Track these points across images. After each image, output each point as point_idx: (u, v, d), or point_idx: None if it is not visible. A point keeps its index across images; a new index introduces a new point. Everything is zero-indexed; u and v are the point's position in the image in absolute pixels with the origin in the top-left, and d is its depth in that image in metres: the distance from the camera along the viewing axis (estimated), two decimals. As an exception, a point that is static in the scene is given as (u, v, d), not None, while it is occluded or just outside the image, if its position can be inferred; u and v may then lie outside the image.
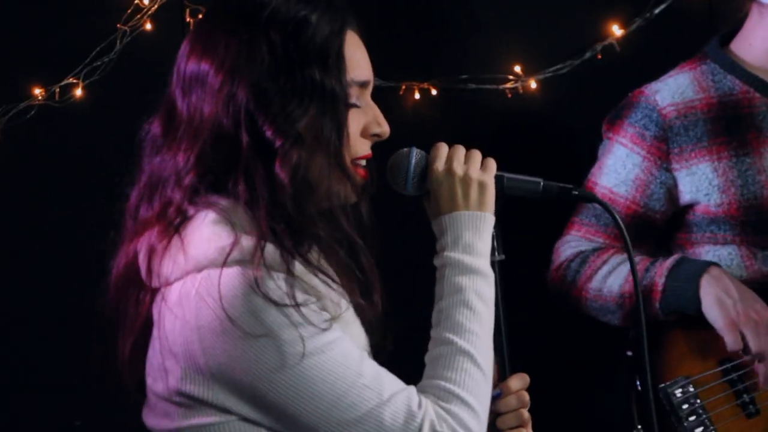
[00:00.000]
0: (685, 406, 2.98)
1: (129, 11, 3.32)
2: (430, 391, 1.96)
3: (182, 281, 1.94)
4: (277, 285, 1.89)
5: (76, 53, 3.32)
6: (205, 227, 1.94)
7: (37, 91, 3.32)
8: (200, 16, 3.32)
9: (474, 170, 2.06)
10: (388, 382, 1.93)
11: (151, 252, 1.98)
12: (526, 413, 2.12)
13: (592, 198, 2.19)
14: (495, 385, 2.12)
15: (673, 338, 3.04)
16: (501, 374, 2.13)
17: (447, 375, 1.97)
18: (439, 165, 2.06)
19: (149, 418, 2.03)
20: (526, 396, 2.12)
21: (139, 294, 2.03)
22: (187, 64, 2.00)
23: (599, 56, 3.52)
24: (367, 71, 2.05)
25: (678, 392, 2.98)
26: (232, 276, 1.89)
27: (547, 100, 3.51)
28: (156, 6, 3.33)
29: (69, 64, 3.32)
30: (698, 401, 2.98)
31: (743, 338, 2.93)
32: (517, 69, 3.49)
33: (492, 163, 2.09)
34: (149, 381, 2.01)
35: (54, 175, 3.35)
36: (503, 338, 2.12)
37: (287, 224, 1.93)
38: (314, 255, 1.97)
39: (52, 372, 3.31)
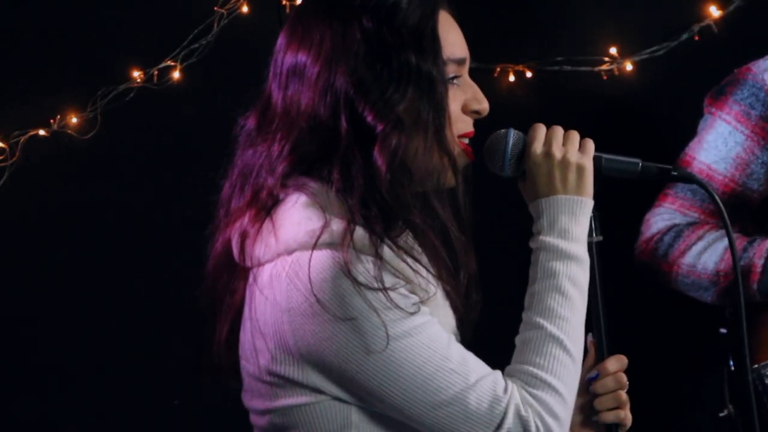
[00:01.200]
0: None
1: (226, -6, 3.36)
2: (518, 375, 1.97)
3: (273, 263, 1.96)
4: (365, 268, 1.90)
5: (174, 36, 3.36)
6: (296, 210, 1.96)
7: (136, 74, 3.36)
8: (296, 1, 3.35)
9: (573, 153, 2.05)
10: (475, 367, 1.94)
11: (244, 235, 2.00)
12: (624, 394, 2.11)
13: (691, 178, 2.17)
14: (592, 366, 2.12)
15: (765, 317, 3.01)
16: (599, 355, 2.13)
17: (535, 360, 1.97)
18: (538, 147, 2.05)
19: (246, 399, 2.05)
20: (624, 377, 2.11)
21: (234, 280, 2.05)
22: (285, 57, 2.02)
23: (696, 38, 3.48)
24: (463, 48, 2.05)
25: None
26: (321, 259, 1.91)
27: (642, 83, 3.48)
28: (253, -12, 3.36)
29: (167, 47, 3.37)
30: None
31: None
32: (613, 51, 3.47)
33: (591, 145, 2.08)
34: (242, 362, 2.03)
35: (152, 157, 3.39)
36: (601, 319, 2.12)
37: (380, 209, 1.94)
38: (406, 240, 1.98)
39: (150, 360, 3.36)
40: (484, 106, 2.05)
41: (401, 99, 1.96)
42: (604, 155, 2.10)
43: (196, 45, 3.36)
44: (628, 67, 3.47)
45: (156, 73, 3.36)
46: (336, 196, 1.95)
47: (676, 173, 2.14)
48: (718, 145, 3.08)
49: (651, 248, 3.10)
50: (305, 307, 1.90)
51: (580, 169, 2.05)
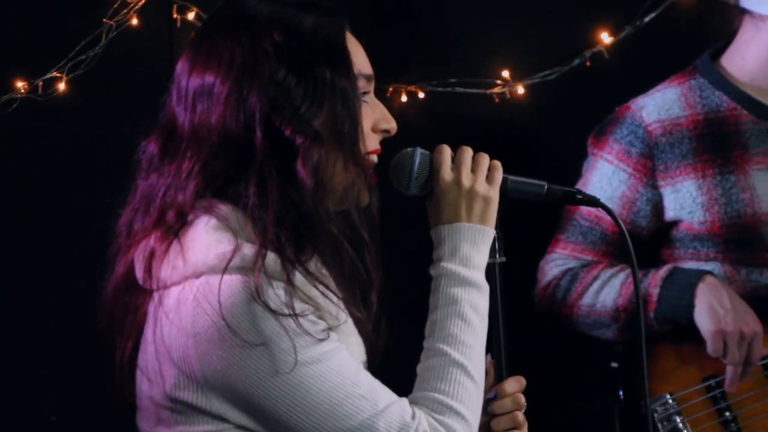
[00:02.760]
0: (667, 423, 2.99)
1: (115, 6, 3.30)
2: (423, 402, 1.96)
3: (180, 286, 1.93)
4: (276, 294, 1.88)
5: (61, 47, 3.30)
6: (206, 233, 1.93)
7: (20, 84, 3.29)
8: (189, 13, 3.31)
9: (481, 183, 2.05)
10: (383, 393, 1.93)
11: (150, 255, 1.96)
12: (521, 416, 2.12)
13: (596, 202, 2.17)
14: (491, 387, 2.12)
15: (660, 353, 3.05)
16: (498, 376, 2.13)
17: (440, 387, 1.96)
18: (446, 173, 2.05)
19: (143, 423, 2.01)
20: (522, 399, 2.12)
21: (136, 300, 2.01)
22: (189, 79, 1.98)
23: (588, 63, 3.51)
24: (369, 66, 2.05)
25: (661, 408, 2.98)
26: (232, 283, 1.88)
27: (534, 106, 3.50)
28: (143, 1, 3.30)
29: (53, 58, 3.30)
30: (680, 417, 2.99)
31: (726, 348, 2.94)
32: (505, 74, 3.48)
33: (498, 172, 2.08)
34: (143, 386, 1.99)
35: (35, 169, 3.32)
36: (501, 340, 2.12)
37: (294, 230, 1.92)
38: (315, 265, 1.96)
39: (41, 376, 3.29)
40: (393, 125, 2.06)
41: (318, 112, 1.95)
42: (511, 177, 2.10)
43: (84, 56, 3.29)
44: (520, 90, 3.49)
45: (41, 84, 3.29)
46: (247, 218, 1.92)
47: (581, 197, 2.15)
48: (603, 186, 3.11)
49: (549, 294, 3.12)
50: (213, 331, 1.87)
51: (486, 201, 2.05)
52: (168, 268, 1.94)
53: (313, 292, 1.92)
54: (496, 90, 3.49)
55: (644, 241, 3.11)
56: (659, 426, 2.98)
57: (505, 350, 2.12)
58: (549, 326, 3.14)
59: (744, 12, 3.12)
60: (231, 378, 1.87)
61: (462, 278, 2.02)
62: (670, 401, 2.99)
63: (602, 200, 3.01)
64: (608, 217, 3.05)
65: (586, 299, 3.07)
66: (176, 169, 1.96)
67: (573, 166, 3.19)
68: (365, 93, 2.03)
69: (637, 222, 3.08)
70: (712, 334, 2.93)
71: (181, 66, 2.02)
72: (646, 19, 3.53)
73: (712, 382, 3.01)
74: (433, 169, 2.06)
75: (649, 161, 3.08)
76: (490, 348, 2.07)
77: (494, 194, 2.06)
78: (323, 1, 2.02)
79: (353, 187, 1.98)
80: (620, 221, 2.19)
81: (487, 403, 2.09)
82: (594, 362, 3.20)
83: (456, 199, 2.04)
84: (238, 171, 1.93)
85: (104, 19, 3.30)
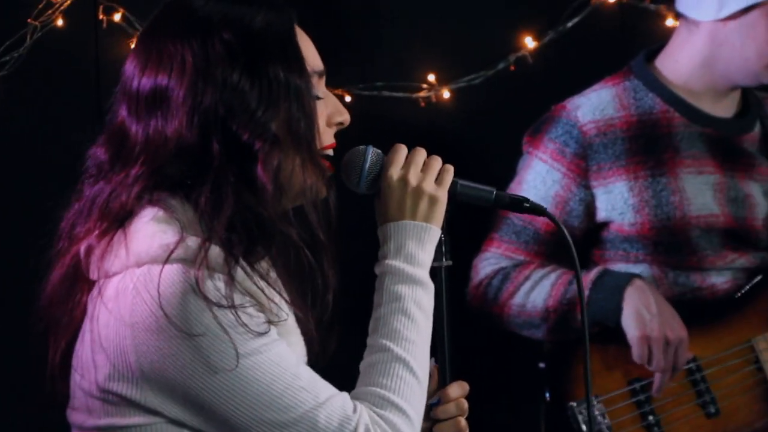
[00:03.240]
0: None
1: (40, 6, 3.27)
2: (365, 397, 1.95)
3: (121, 275, 1.91)
4: (216, 286, 1.86)
5: (-16, 48, 3.27)
6: (151, 224, 1.91)
7: (-58, 85, 3.26)
8: (115, 14, 3.29)
9: (428, 183, 2.04)
10: (324, 386, 1.92)
11: (92, 246, 1.94)
12: (463, 421, 2.11)
13: (542, 211, 2.16)
14: (434, 392, 2.11)
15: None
16: (441, 380, 2.12)
17: (382, 382, 1.95)
18: (395, 171, 2.04)
19: (73, 415, 1.98)
20: (465, 404, 2.11)
21: (73, 301, 1.98)
22: (140, 84, 1.95)
23: (512, 67, 3.54)
24: (320, 61, 2.03)
25: (585, 411, 2.99)
26: (172, 273, 1.86)
27: (459, 110, 3.52)
28: (68, 2, 3.28)
29: (-24, 59, 3.27)
30: (605, 421, 3.00)
31: (651, 353, 2.97)
32: (431, 78, 3.50)
33: (449, 174, 2.07)
34: (76, 377, 1.96)
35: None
36: (446, 344, 2.11)
37: (246, 233, 1.91)
38: (263, 266, 1.94)
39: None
40: (346, 117, 2.05)
41: (275, 114, 1.93)
42: (460, 181, 2.09)
43: (8, 57, 3.27)
44: (446, 94, 3.51)
45: (-36, 84, 3.26)
46: (195, 214, 1.91)
47: (527, 204, 2.14)
48: (537, 185, 3.12)
49: (481, 293, 3.12)
50: (150, 321, 1.86)
51: (432, 200, 2.04)
52: (110, 258, 1.92)
53: (254, 289, 1.91)
54: (422, 94, 3.51)
55: (576, 241, 3.10)
56: (583, 428, 2.99)
57: (450, 355, 2.11)
58: (478, 325, 3.15)
59: (679, 15, 3.16)
60: (167, 369, 1.86)
61: (406, 275, 2.01)
62: (595, 404, 3.01)
63: (536, 199, 3.03)
64: (541, 217, 3.06)
65: (517, 299, 3.08)
66: (125, 175, 1.94)
67: (498, 170, 3.20)
68: (318, 90, 2.01)
69: (570, 222, 3.10)
70: (637, 339, 2.96)
71: (129, 68, 1.98)
72: (569, 24, 3.57)
73: (636, 385, 3.03)
74: (383, 167, 2.05)
75: (583, 161, 3.10)
76: (434, 352, 2.06)
77: (441, 195, 2.05)
78: None
79: (311, 187, 1.97)
80: (564, 229, 2.19)
81: (430, 408, 2.08)
82: (522, 362, 3.21)
83: (402, 197, 2.03)
84: (193, 177, 1.92)
85: (29, 20, 3.27)
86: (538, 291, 3.06)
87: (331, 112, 2.03)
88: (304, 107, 1.95)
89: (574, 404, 3.00)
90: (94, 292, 1.94)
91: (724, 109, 3.18)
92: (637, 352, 2.96)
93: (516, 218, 3.11)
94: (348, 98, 3.46)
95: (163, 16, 1.99)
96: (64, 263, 1.99)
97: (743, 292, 3.11)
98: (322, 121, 2.01)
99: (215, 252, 1.88)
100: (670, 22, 3.55)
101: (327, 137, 2.02)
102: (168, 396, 1.88)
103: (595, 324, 3.02)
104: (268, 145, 1.91)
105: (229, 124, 1.91)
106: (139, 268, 1.89)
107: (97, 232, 1.94)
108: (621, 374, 3.04)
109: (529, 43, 3.54)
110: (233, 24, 1.93)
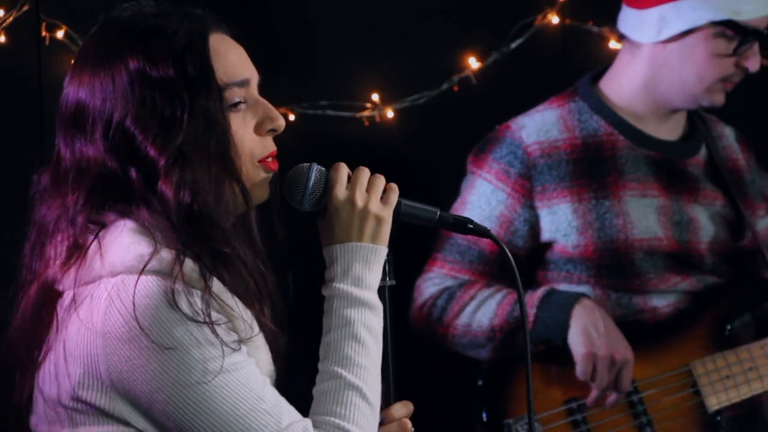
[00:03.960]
0: None
1: (-18, 22, 3.25)
2: (321, 426, 1.95)
3: (94, 284, 1.91)
4: (192, 300, 1.87)
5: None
6: (125, 234, 1.92)
7: None
8: (58, 31, 3.27)
9: (374, 203, 2.04)
10: (287, 411, 1.92)
11: (66, 259, 1.94)
12: None
13: (486, 233, 2.16)
14: (379, 412, 2.10)
15: (523, 373, 3.06)
16: (385, 401, 2.11)
17: (336, 410, 1.96)
18: (340, 191, 2.04)
19: (36, 424, 1.98)
20: (409, 424, 2.12)
21: (41, 335, 1.97)
22: (66, 107, 1.99)
23: (456, 88, 3.55)
24: (245, 69, 2.02)
25: (522, 429, 3.01)
26: (148, 284, 1.87)
27: (403, 130, 3.53)
28: (11, 18, 3.26)
29: None
30: None
31: (594, 372, 2.98)
32: (375, 97, 3.51)
33: (394, 194, 2.07)
34: (42, 386, 1.95)
35: None
36: (390, 365, 2.11)
37: (200, 243, 1.91)
38: (227, 276, 1.95)
39: None
40: (279, 123, 2.03)
41: (179, 133, 1.93)
42: (404, 201, 2.09)
43: (-50, 73, 3.24)
44: (389, 114, 3.52)
45: None
46: (162, 225, 1.92)
47: (472, 226, 2.14)
48: (481, 205, 3.13)
49: (425, 314, 3.12)
50: (123, 331, 1.86)
51: (378, 220, 2.04)
52: (84, 268, 1.92)
53: (230, 301, 1.92)
54: (366, 113, 3.51)
55: (520, 261, 3.12)
56: None
57: (394, 374, 2.11)
58: (417, 344, 3.15)
59: (622, 37, 3.18)
60: (136, 380, 1.86)
61: (355, 298, 2.01)
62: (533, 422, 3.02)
63: (480, 219, 3.07)
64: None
65: (463, 319, 3.08)
66: (62, 202, 1.96)
67: (441, 190, 3.22)
68: (241, 102, 2.00)
69: (514, 242, 3.11)
70: (583, 356, 2.97)
71: (63, 94, 2.01)
72: (513, 45, 3.59)
73: (573, 405, 3.04)
74: (327, 186, 2.05)
75: (527, 182, 3.10)
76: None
77: (387, 215, 2.05)
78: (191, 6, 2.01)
79: (233, 201, 1.97)
80: (507, 250, 2.19)
81: None
82: (461, 381, 3.21)
83: (349, 218, 2.03)
84: (123, 200, 1.94)
85: (-30, 36, 3.25)
86: (483, 311, 3.07)
87: (260, 119, 2.02)
88: (213, 125, 1.95)
89: (511, 421, 3.02)
90: (65, 301, 1.95)
91: (669, 131, 3.20)
92: (581, 369, 2.97)
93: (460, 238, 3.12)
94: (292, 117, 3.46)
95: (87, 41, 2.03)
96: (29, 298, 1.99)
97: (683, 316, 3.12)
98: (248, 132, 2.00)
99: (190, 265, 1.89)
100: (612, 44, 3.57)
101: (261, 148, 2.02)
102: (135, 407, 1.88)
103: (541, 342, 3.03)
104: (170, 161, 1.92)
105: (138, 145, 1.93)
106: (113, 277, 1.90)
107: (58, 262, 1.95)
108: (559, 393, 3.05)
109: (473, 63, 3.56)
110: (139, 48, 1.95)
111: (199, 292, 1.88)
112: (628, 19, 3.14)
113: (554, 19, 3.60)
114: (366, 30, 3.55)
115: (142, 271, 1.87)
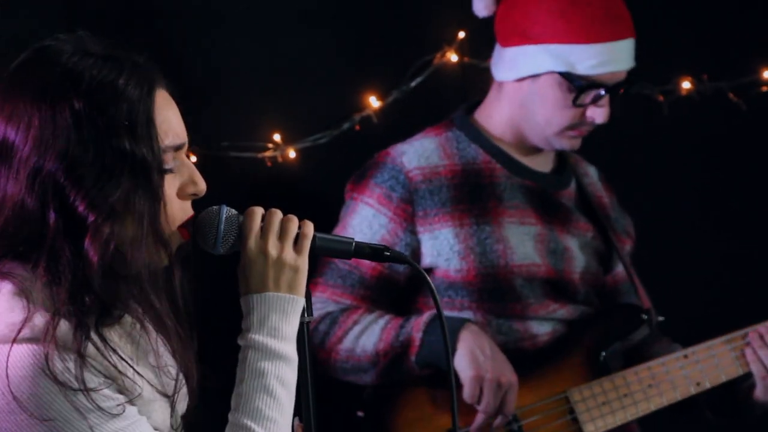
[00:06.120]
0: None
1: None
2: None
3: None
4: (66, 367, 1.82)
5: None
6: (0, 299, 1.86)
7: None
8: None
9: (288, 253, 2.01)
10: None
11: None
12: None
13: (403, 259, 2.17)
14: None
15: (410, 400, 3.10)
16: None
17: None
18: (253, 242, 2.00)
19: None
20: None
21: None
22: None
23: (357, 127, 3.57)
24: (181, 132, 1.99)
25: None
26: (20, 354, 1.82)
27: (305, 169, 3.54)
28: None
29: None
30: None
31: (481, 395, 3.00)
32: (277, 137, 3.51)
33: (307, 240, 2.04)
34: None
35: None
36: (311, 401, 2.09)
37: (92, 301, 1.86)
38: (114, 336, 1.90)
39: None
40: (201, 187, 2.01)
41: (115, 188, 1.88)
42: (318, 234, 2.09)
43: None
44: (291, 154, 3.52)
45: None
46: (43, 284, 1.86)
47: (388, 253, 2.14)
48: (363, 229, 3.14)
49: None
50: (2, 404, 1.81)
51: (294, 270, 2.02)
52: None
53: (106, 364, 1.86)
54: (268, 153, 3.51)
55: (402, 287, 3.16)
56: None
57: (314, 410, 2.09)
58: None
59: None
60: None
61: (270, 350, 1.99)
62: None
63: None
64: (367, 261, 3.03)
65: (346, 344, 3.09)
66: None
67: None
68: (171, 167, 1.96)
69: (395, 267, 3.13)
70: (470, 379, 2.99)
71: None
72: (413, 84, 3.62)
73: None
74: (240, 231, 2.02)
75: (409, 206, 3.13)
76: (298, 410, 2.05)
77: (302, 263, 2.02)
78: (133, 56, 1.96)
79: (148, 258, 1.93)
80: (426, 275, 2.20)
81: None
82: (339, 410, 3.20)
83: (263, 269, 2.00)
84: (29, 246, 1.87)
85: None
86: (367, 335, 3.08)
87: (184, 182, 1.98)
88: (148, 183, 1.90)
89: None
90: None
91: (541, 164, 3.26)
92: (468, 392, 3.00)
93: (341, 263, 3.12)
94: (194, 158, 3.45)
95: (23, 67, 1.94)
96: None
97: (560, 344, 3.17)
98: (172, 194, 1.97)
99: (64, 328, 1.84)
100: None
101: (181, 213, 1.98)
102: None
103: (427, 366, 3.05)
104: (102, 218, 1.87)
105: (67, 194, 1.87)
106: None
107: None
108: (439, 422, 3.07)
109: (374, 102, 3.58)
110: (86, 91, 1.89)
111: (73, 356, 1.83)
112: (495, 56, 3.21)
113: (453, 57, 3.64)
114: (267, 69, 3.56)
115: (14, 341, 1.81)
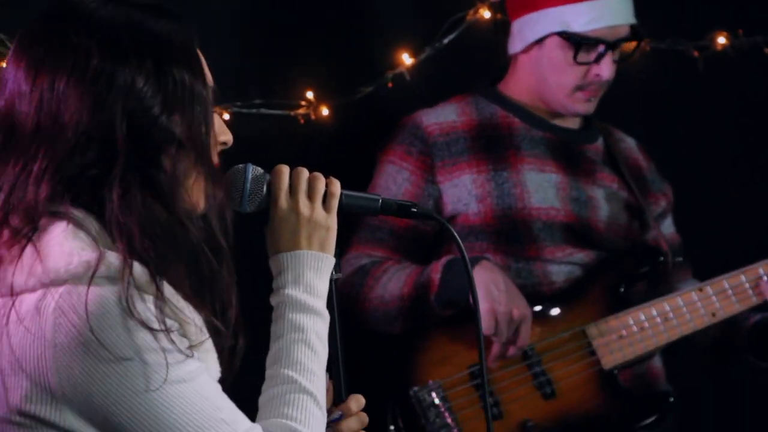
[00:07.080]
0: (433, 409, 3.13)
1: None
2: (275, 429, 1.93)
3: (38, 293, 1.83)
4: (146, 307, 1.82)
5: None
6: (66, 239, 1.84)
7: None
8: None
9: (319, 212, 2.03)
10: (241, 419, 1.89)
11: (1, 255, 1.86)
12: None
13: (429, 215, 2.21)
14: (331, 407, 2.10)
15: (430, 343, 3.20)
16: (337, 396, 2.12)
17: (292, 414, 1.94)
18: (283, 201, 2.03)
19: None
20: (365, 416, 2.12)
21: None
22: (37, 76, 1.88)
23: (390, 84, 3.57)
24: (212, 80, 2.00)
25: (427, 396, 3.13)
26: (100, 294, 1.80)
27: (338, 127, 3.54)
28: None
29: None
30: (447, 404, 3.13)
31: (497, 326, 3.09)
32: (309, 95, 3.51)
33: (335, 199, 2.06)
34: None
35: None
36: (340, 360, 2.11)
37: (158, 240, 1.86)
38: (179, 275, 1.90)
39: None
40: (230, 137, 2.02)
41: (182, 117, 1.89)
42: (345, 192, 2.09)
43: None
44: (324, 111, 3.53)
45: None
46: (102, 225, 1.85)
47: (415, 210, 2.17)
48: (388, 185, 3.26)
49: (345, 294, 3.17)
50: (77, 343, 1.80)
51: (326, 229, 2.04)
52: (21, 274, 1.84)
53: (181, 304, 1.87)
54: (301, 111, 3.51)
55: (428, 237, 3.27)
56: (428, 412, 3.12)
57: (344, 369, 2.11)
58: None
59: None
60: (92, 392, 1.80)
61: (307, 306, 2.00)
62: (438, 388, 3.14)
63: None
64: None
65: (377, 291, 3.19)
66: (22, 168, 1.86)
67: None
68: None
69: None
70: (484, 312, 3.07)
71: (18, 55, 1.91)
72: (445, 41, 3.61)
73: (475, 369, 3.15)
74: (268, 190, 2.04)
75: (429, 158, 3.26)
76: (329, 367, 2.06)
77: (333, 223, 2.05)
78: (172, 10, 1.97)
79: (212, 194, 1.94)
80: (452, 229, 2.22)
81: (332, 423, 2.08)
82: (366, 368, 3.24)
83: (295, 228, 2.02)
84: (99, 173, 1.86)
85: None
86: (394, 282, 3.18)
87: (217, 129, 1.99)
88: (206, 115, 1.92)
89: (417, 390, 3.14)
90: (4, 307, 1.86)
91: (565, 123, 3.36)
92: (484, 324, 3.07)
93: (371, 218, 3.22)
94: (226, 116, 3.46)
95: (62, 10, 1.92)
96: None
97: (578, 285, 3.25)
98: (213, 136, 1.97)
99: (139, 269, 1.84)
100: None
101: (214, 155, 1.99)
102: (88, 420, 1.83)
103: (447, 305, 3.14)
104: (173, 148, 1.88)
105: (136, 121, 1.86)
106: (60, 286, 1.82)
107: (5, 238, 1.87)
108: (464, 359, 3.16)
109: (407, 59, 3.58)
110: (138, 27, 1.89)
111: (151, 298, 1.83)
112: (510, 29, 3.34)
113: (486, 14, 3.63)
114: (299, 27, 3.55)
115: (91, 279, 1.81)
